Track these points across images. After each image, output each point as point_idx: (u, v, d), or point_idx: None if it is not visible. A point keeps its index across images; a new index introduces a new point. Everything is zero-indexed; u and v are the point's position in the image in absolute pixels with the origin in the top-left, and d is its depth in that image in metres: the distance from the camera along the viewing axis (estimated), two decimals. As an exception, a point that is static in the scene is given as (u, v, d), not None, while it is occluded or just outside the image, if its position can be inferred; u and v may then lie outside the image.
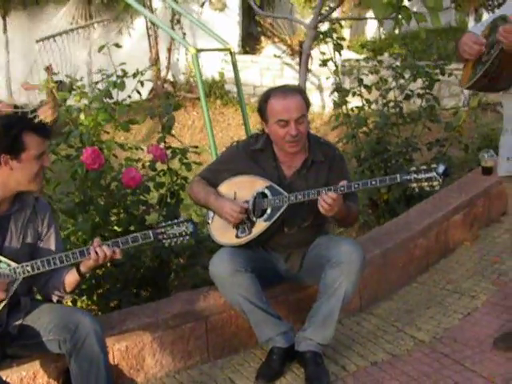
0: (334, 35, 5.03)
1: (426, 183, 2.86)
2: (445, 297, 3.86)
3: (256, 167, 3.24)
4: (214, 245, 3.37)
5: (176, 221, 2.83)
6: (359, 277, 3.10)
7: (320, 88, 9.60)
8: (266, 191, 3.17)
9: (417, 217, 4.27)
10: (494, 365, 3.12)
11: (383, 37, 11.29)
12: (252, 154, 3.27)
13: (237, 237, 3.21)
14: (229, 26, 10.03)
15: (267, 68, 9.82)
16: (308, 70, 4.62)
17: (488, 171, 4.75)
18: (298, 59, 9.85)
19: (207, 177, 3.36)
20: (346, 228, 3.74)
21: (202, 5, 9.98)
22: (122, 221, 3.68)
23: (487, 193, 4.61)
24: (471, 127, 5.26)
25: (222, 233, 3.25)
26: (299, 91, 3.19)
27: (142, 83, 3.69)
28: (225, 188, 3.29)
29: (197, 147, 3.83)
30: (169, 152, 3.79)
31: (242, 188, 3.24)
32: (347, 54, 8.37)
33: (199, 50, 6.63)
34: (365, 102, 5.20)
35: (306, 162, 3.22)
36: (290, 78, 9.77)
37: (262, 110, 3.17)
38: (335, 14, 9.67)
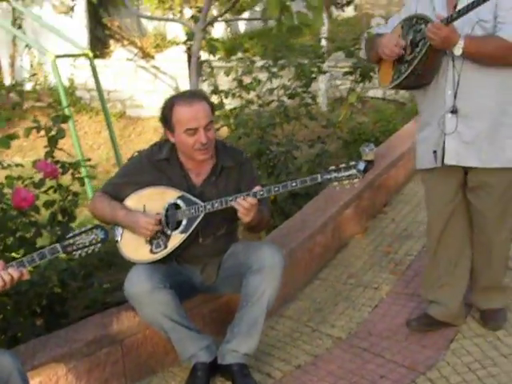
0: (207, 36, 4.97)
1: (346, 181, 2.85)
2: (350, 291, 3.92)
3: (163, 178, 3.08)
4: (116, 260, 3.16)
5: (84, 229, 2.64)
6: (281, 281, 3.05)
7: (177, 90, 9.43)
8: (179, 202, 3.03)
9: (312, 214, 4.30)
10: (413, 353, 3.21)
11: (230, 36, 11.36)
12: (157, 164, 3.10)
13: (151, 252, 3.03)
14: (75, 29, 9.56)
15: (120, 72, 9.52)
16: (211, 77, 4.49)
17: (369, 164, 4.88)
18: (152, 61, 9.66)
19: (110, 191, 3.15)
20: (258, 233, 3.68)
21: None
22: (10, 246, 3.34)
23: (371, 185, 4.76)
24: (350, 122, 5.40)
25: (135, 249, 3.06)
26: (203, 97, 3.07)
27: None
28: (132, 202, 3.09)
29: (89, 160, 3.56)
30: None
31: (152, 200, 3.06)
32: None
33: (58, 56, 6.30)
34: (245, 103, 5.17)
35: (215, 169, 3.11)
36: (145, 81, 9.54)
37: (166, 119, 3.01)
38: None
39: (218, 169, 3.11)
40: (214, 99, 5.27)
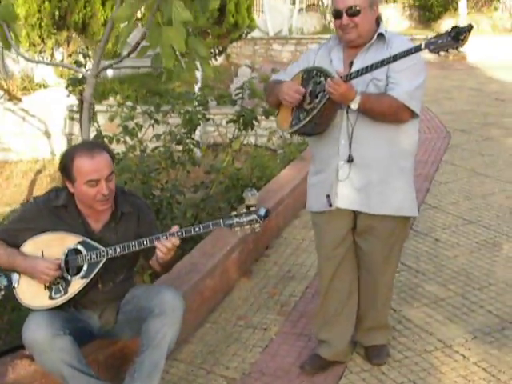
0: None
1: (248, 226, 2.99)
2: (240, 333, 4.02)
3: (61, 224, 3.06)
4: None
5: None
6: (181, 324, 3.10)
7: (47, 133, 9.26)
8: (80, 247, 3.02)
9: (201, 257, 4.38)
10: (305, 390, 3.36)
11: (99, 80, 11.32)
12: (55, 211, 3.08)
13: (51, 298, 2.99)
14: None
15: (-14, 115, 9.20)
16: (93, 121, 4.47)
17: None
18: (20, 104, 9.39)
19: (5, 238, 3.08)
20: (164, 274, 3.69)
21: None
22: None
23: (253, 231, 4.90)
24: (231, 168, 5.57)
25: (33, 295, 3.00)
26: (104, 148, 3.11)
27: None
28: (29, 248, 3.04)
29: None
30: None
31: (50, 246, 3.03)
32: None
33: None
34: (128, 148, 5.20)
35: (115, 215, 3.14)
36: (13, 123, 9.25)
37: (66, 170, 3.00)
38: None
39: (117, 215, 3.13)
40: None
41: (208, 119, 5.23)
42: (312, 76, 3.07)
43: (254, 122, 5.03)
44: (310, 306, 4.30)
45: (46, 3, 8.81)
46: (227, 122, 5.21)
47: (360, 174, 3.11)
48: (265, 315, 4.23)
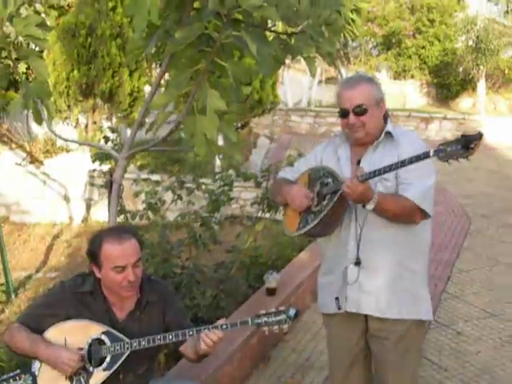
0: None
1: (276, 326, 2.94)
2: (258, 426, 3.91)
3: (86, 311, 3.01)
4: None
5: (12, 374, 2.68)
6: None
7: (67, 198, 9.29)
8: (104, 337, 2.96)
9: (220, 343, 4.29)
10: None
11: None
12: (80, 297, 3.04)
13: (71, 390, 2.91)
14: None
15: (7, 176, 9.24)
16: (119, 201, 4.48)
17: (272, 292, 5.01)
18: (42, 167, 9.46)
19: (29, 323, 3.01)
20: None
21: None
22: None
23: (275, 314, 4.84)
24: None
25: (53, 386, 2.93)
26: (132, 233, 3.08)
27: None
28: (52, 334, 2.98)
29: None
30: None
31: (74, 334, 2.97)
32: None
33: None
34: (152, 224, 5.19)
35: (140, 304, 3.09)
36: (34, 186, 9.30)
37: (94, 255, 2.98)
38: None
39: (142, 304, 3.09)
40: (121, 219, 5.26)
41: (232, 199, 5.23)
42: (319, 176, 3.04)
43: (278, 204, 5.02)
44: (329, 399, 4.18)
45: (75, 72, 9.00)
46: (252, 204, 5.22)
47: (368, 277, 3.01)
48: (283, 407, 4.12)
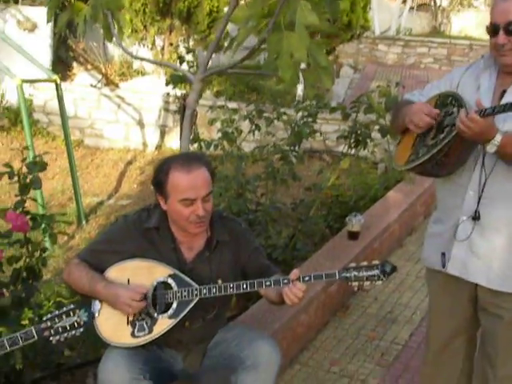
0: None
1: (368, 282, 2.53)
2: (334, 382, 3.56)
3: (151, 249, 2.68)
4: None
5: (64, 309, 2.33)
6: (275, 381, 2.67)
7: (140, 123, 9.02)
8: (170, 281, 2.62)
9: (296, 289, 3.93)
10: None
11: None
12: (145, 233, 2.69)
13: (133, 336, 2.60)
14: (38, 48, 9.03)
15: (82, 98, 9.01)
16: (193, 127, 4.11)
17: (354, 236, 4.59)
18: (117, 90, 9.20)
19: (89, 259, 2.71)
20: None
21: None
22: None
23: (357, 260, 4.43)
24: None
25: (114, 330, 2.62)
26: (204, 162, 2.67)
27: None
28: (114, 274, 2.66)
29: (65, 214, 3.13)
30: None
31: (138, 275, 2.64)
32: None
33: (25, 81, 5.83)
34: (227, 154, 4.82)
35: (210, 243, 2.72)
36: (108, 110, 9.07)
37: (160, 184, 2.61)
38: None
39: (212, 243, 2.72)
40: (195, 147, 4.90)
41: (315, 132, 4.76)
42: (447, 103, 2.47)
43: (367, 139, 4.53)
44: (415, 358, 3.79)
45: (153, -11, 8.57)
46: (337, 138, 4.73)
47: (484, 236, 2.48)
48: (362, 363, 3.75)
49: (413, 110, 2.52)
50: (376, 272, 2.51)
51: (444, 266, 2.60)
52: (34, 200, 3.10)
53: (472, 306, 2.65)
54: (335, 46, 9.77)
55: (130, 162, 8.46)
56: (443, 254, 2.61)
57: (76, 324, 2.31)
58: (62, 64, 9.99)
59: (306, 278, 2.55)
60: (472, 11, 18.25)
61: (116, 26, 3.90)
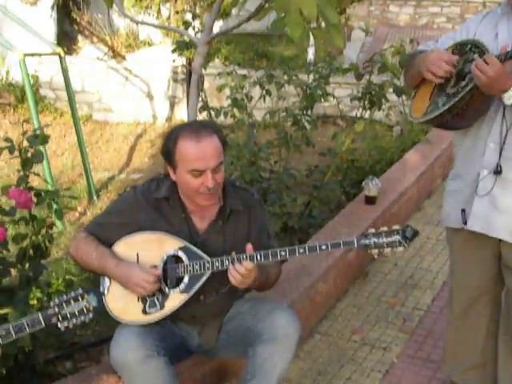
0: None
1: (388, 249, 2.41)
2: (355, 351, 3.46)
3: (161, 220, 2.56)
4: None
5: (73, 294, 2.23)
6: (295, 352, 2.57)
7: (149, 95, 8.87)
8: (181, 254, 2.51)
9: (313, 258, 3.82)
10: None
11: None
12: (155, 204, 2.58)
13: (144, 312, 2.51)
14: (42, 22, 8.87)
15: (89, 72, 8.86)
16: (201, 91, 3.97)
17: (371, 200, 4.45)
18: (124, 62, 9.04)
19: (97, 233, 2.60)
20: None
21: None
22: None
23: (375, 225, 4.29)
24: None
25: (124, 307, 2.53)
26: (215, 130, 2.52)
27: None
28: (123, 248, 2.56)
29: (69, 189, 3.01)
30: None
31: (147, 249, 2.54)
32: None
33: (27, 55, 5.69)
34: (238, 122, 4.68)
35: (223, 213, 2.60)
36: (116, 83, 8.91)
37: (168, 153, 2.48)
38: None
39: (225, 213, 2.60)
40: (204, 116, 4.75)
41: (328, 94, 4.59)
42: (465, 51, 2.32)
43: (382, 100, 4.36)
44: (438, 323, 3.69)
45: (156, -46, 8.34)
46: (351, 99, 4.56)
47: (506, 190, 2.36)
48: (384, 330, 3.64)
49: (430, 57, 2.37)
50: (397, 238, 2.40)
51: (465, 222, 2.49)
52: (37, 175, 2.96)
53: (495, 263, 2.55)
54: (345, 7, 9.51)
55: (140, 136, 8.33)
56: (463, 211, 2.50)
57: (85, 309, 2.22)
58: (66, 37, 9.86)
59: (323, 247, 2.43)
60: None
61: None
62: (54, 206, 3.03)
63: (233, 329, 2.67)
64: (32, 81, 8.72)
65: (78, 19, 9.89)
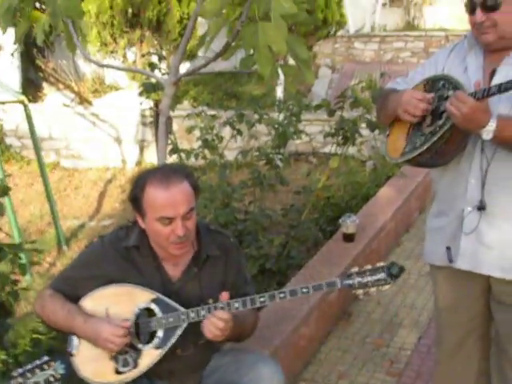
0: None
1: (373, 288, 2.28)
2: (343, 397, 3.30)
3: (132, 271, 2.41)
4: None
5: (38, 362, 2.10)
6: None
7: (118, 140, 8.72)
8: (153, 306, 2.35)
9: (294, 300, 3.65)
10: None
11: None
12: (124, 253, 2.42)
13: (117, 372, 2.34)
14: (5, 70, 8.73)
15: (56, 118, 8.68)
16: (170, 134, 3.84)
17: (350, 238, 4.33)
18: (91, 108, 8.90)
19: (63, 289, 2.44)
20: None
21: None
22: None
23: (356, 263, 4.17)
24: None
25: (96, 368, 2.35)
26: (185, 175, 2.37)
27: None
28: (91, 304, 2.39)
29: (34, 242, 2.84)
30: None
31: (117, 303, 2.38)
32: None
33: (-11, 103, 5.53)
34: (209, 164, 4.56)
35: (198, 258, 2.45)
36: (83, 129, 8.76)
37: (136, 200, 2.33)
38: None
39: (200, 258, 2.45)
40: (174, 159, 4.62)
41: (301, 132, 4.50)
42: (438, 88, 2.25)
43: (355, 135, 4.28)
44: (426, 363, 3.55)
45: (119, -1, 8.27)
46: (325, 136, 4.46)
47: (492, 226, 2.27)
48: (372, 374, 3.50)
49: (404, 98, 2.29)
50: (382, 275, 2.30)
51: (451, 260, 2.39)
52: (-1, 229, 2.79)
53: (484, 299, 2.44)
54: (312, 44, 9.52)
55: (109, 181, 8.16)
56: (448, 248, 2.39)
57: (52, 378, 2.08)
58: (32, 85, 9.70)
59: (305, 290, 2.31)
60: (445, 3, 18.13)
61: (79, 37, 3.63)
62: (22, 258, 2.86)
63: (214, 383, 2.50)
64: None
65: (43, 66, 9.75)
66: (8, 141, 8.82)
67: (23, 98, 5.95)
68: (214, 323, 2.23)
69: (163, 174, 2.34)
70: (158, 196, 2.26)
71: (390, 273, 2.27)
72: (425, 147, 2.21)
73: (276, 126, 4.39)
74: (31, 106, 7.24)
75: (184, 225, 2.27)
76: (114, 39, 8.73)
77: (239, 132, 4.82)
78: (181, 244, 2.32)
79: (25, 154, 8.72)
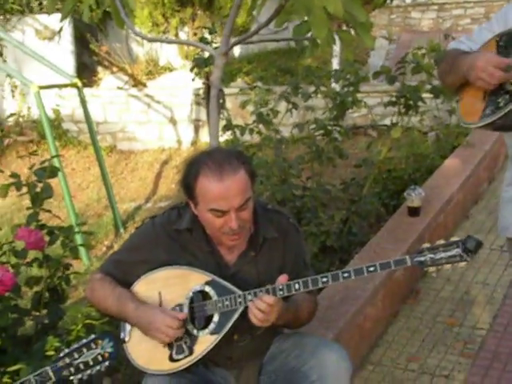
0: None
1: (448, 265, 2.08)
2: (414, 381, 3.10)
3: (185, 254, 2.26)
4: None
5: (84, 341, 1.98)
6: (348, 393, 2.23)
7: (173, 121, 8.65)
8: (208, 289, 2.20)
9: (357, 279, 3.46)
10: None
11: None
12: (177, 236, 2.27)
13: (171, 359, 2.20)
14: (60, 56, 8.75)
15: (110, 102, 8.69)
16: (222, 109, 3.70)
17: (415, 212, 4.10)
18: (145, 90, 8.85)
19: (114, 272, 2.31)
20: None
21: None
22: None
23: (422, 238, 3.94)
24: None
25: (149, 354, 2.22)
26: (241, 162, 2.16)
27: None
28: (143, 288, 2.26)
29: (85, 223, 2.75)
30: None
31: (170, 286, 2.24)
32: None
33: (42, 87, 5.50)
34: (264, 140, 4.39)
35: (255, 241, 2.27)
36: (138, 111, 8.74)
37: (188, 188, 2.15)
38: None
39: (258, 241, 2.27)
40: (227, 136, 4.47)
41: (360, 101, 4.27)
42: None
43: (418, 103, 4.03)
44: (503, 344, 3.30)
45: (170, -22, 8.14)
46: (385, 105, 4.22)
47: None
48: (443, 355, 3.28)
49: (478, 64, 2.04)
50: (457, 251, 2.08)
51: None
52: (47, 211, 2.70)
53: None
54: (368, 13, 9.17)
55: (165, 162, 8.11)
56: None
57: (100, 357, 1.94)
58: (86, 70, 9.73)
59: (371, 269, 2.12)
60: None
61: (127, 9, 3.51)
62: (77, 242, 2.77)
63: (275, 370, 2.34)
64: (53, 115, 8.65)
65: (97, 50, 9.77)
66: (65, 126, 8.87)
67: (76, 80, 5.91)
68: (258, 305, 2.07)
69: (217, 161, 2.13)
70: (210, 188, 2.08)
71: (465, 248, 2.05)
72: (510, 107, 1.98)
73: (333, 96, 4.17)
74: (86, 90, 7.25)
75: (239, 216, 2.10)
76: (166, 19, 8.64)
77: (294, 105, 4.62)
78: (234, 236, 2.16)
79: (82, 138, 8.76)
